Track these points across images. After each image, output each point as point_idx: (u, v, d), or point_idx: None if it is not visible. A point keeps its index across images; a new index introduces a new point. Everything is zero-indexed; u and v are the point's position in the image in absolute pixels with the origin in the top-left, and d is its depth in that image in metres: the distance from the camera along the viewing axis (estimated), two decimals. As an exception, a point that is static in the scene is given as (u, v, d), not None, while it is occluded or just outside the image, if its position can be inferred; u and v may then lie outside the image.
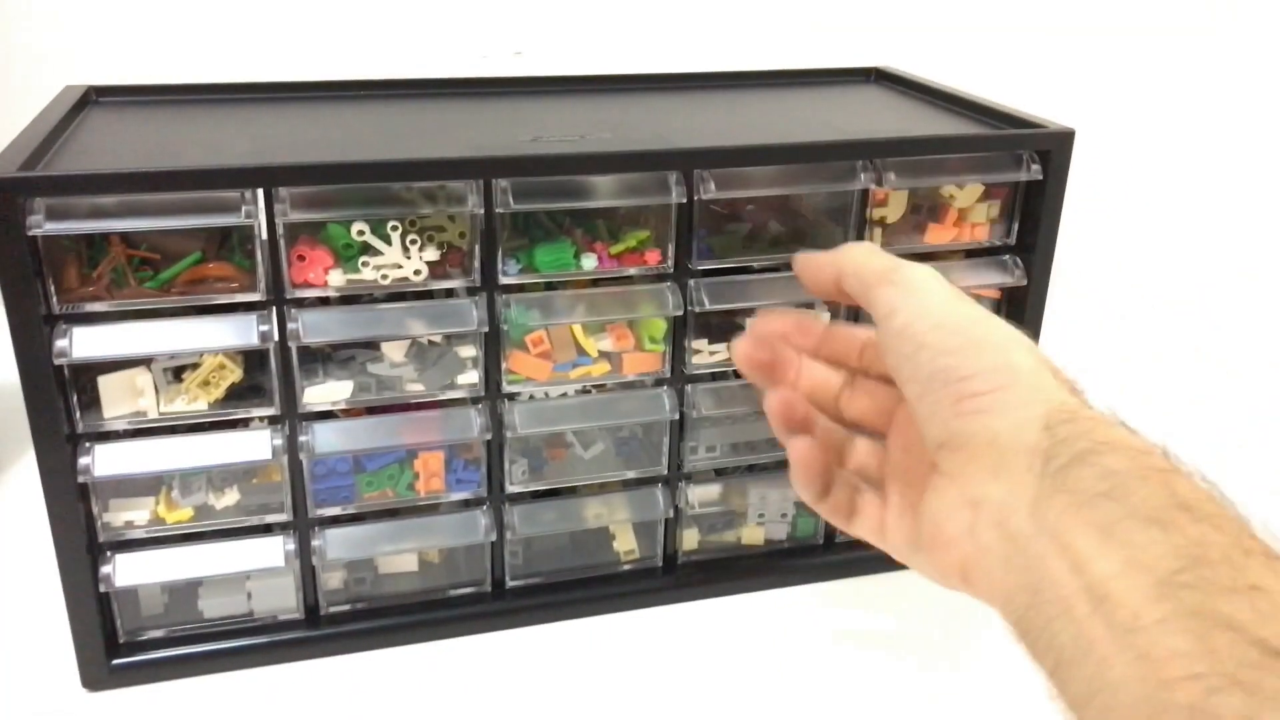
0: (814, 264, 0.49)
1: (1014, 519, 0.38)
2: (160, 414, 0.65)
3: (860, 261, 0.46)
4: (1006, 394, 0.40)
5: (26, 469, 0.89)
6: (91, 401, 0.64)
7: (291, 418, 0.68)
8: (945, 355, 0.41)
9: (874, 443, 0.49)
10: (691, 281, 0.71)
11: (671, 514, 0.77)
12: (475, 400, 0.71)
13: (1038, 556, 0.37)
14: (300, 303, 0.66)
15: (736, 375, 0.76)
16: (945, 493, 0.42)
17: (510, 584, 0.76)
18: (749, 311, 0.74)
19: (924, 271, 0.45)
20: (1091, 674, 0.33)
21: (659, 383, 0.74)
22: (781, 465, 0.80)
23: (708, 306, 0.71)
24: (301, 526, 0.70)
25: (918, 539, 0.44)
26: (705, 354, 0.74)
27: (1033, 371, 0.41)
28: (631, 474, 0.76)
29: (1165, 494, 0.35)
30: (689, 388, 0.74)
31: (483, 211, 0.66)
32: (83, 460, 0.64)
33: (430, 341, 0.69)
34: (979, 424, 0.40)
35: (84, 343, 0.61)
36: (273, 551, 0.69)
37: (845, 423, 0.50)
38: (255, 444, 0.67)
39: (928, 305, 0.43)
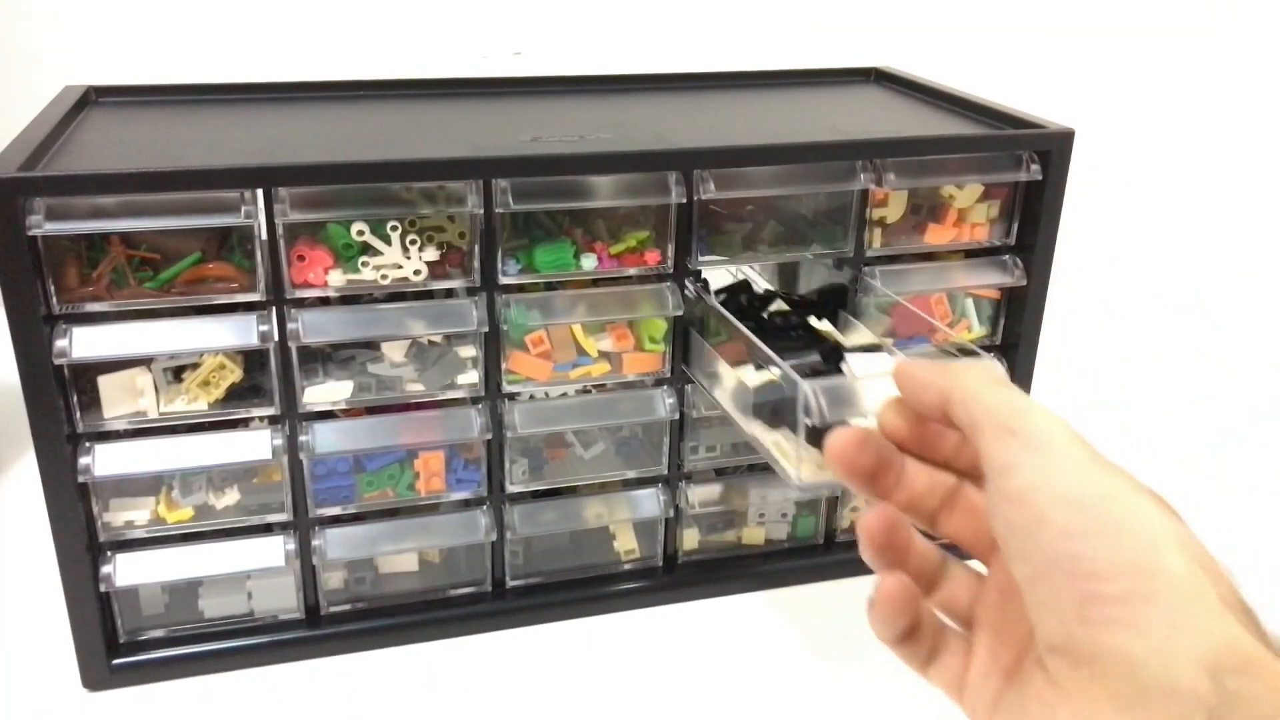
0: (917, 381, 0.40)
1: None
2: (160, 414, 0.65)
3: (975, 392, 0.38)
4: (1151, 608, 0.32)
5: (26, 469, 0.89)
6: (91, 401, 0.64)
7: (291, 418, 0.68)
8: (1072, 539, 0.33)
9: (968, 571, 0.42)
10: (691, 281, 0.71)
11: (671, 514, 0.77)
12: (475, 400, 0.71)
13: None
14: (300, 303, 0.66)
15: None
16: (1056, 711, 0.34)
17: (510, 584, 0.76)
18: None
19: (1056, 424, 0.36)
20: None
21: (659, 383, 0.74)
22: (781, 465, 0.80)
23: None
24: (302, 526, 0.70)
25: None
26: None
27: (1191, 581, 0.32)
28: (631, 474, 0.76)
29: None
30: (689, 388, 0.74)
31: (482, 212, 0.66)
32: (83, 460, 0.64)
33: (430, 341, 0.69)
34: (1113, 640, 0.32)
35: (84, 343, 0.61)
36: (273, 551, 0.69)
37: (939, 537, 0.42)
38: (255, 444, 0.67)
39: (1056, 469, 0.35)
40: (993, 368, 0.40)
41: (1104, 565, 0.33)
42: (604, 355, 0.72)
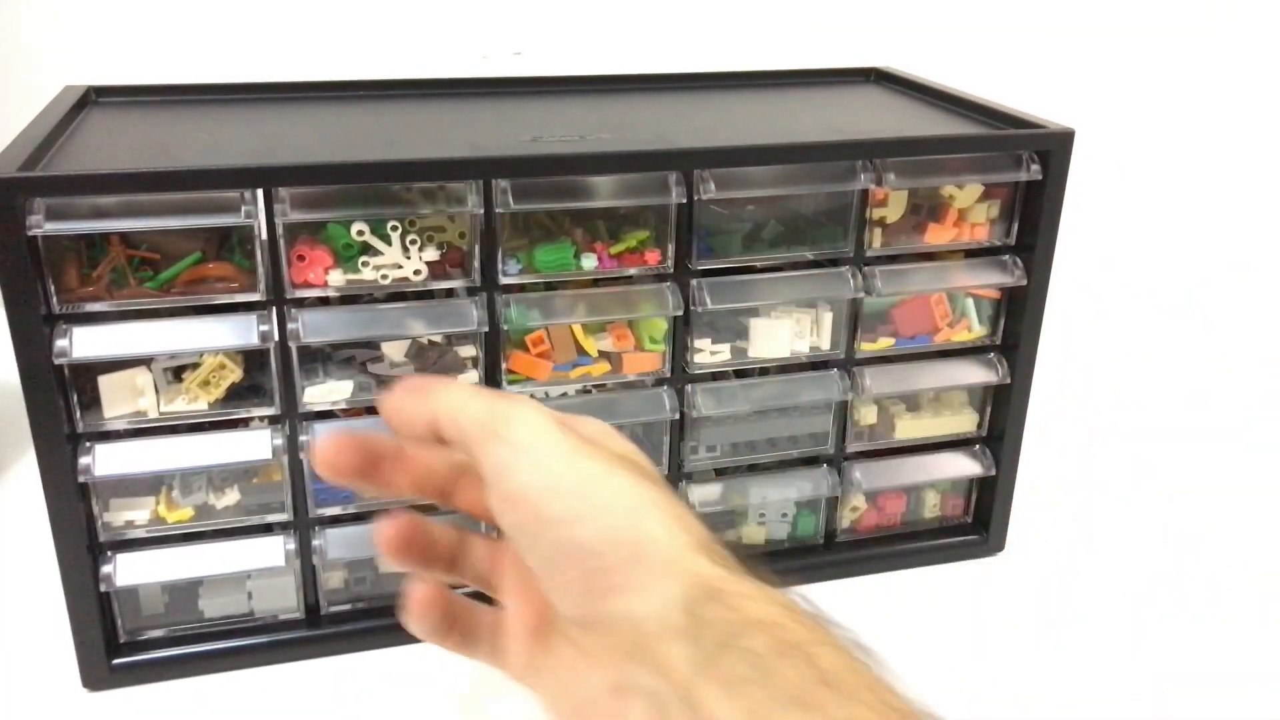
0: (402, 414, 0.42)
1: (672, 709, 0.35)
2: (160, 414, 0.65)
3: (458, 407, 0.40)
4: (640, 568, 0.36)
5: (27, 469, 0.89)
6: (92, 401, 0.64)
7: (292, 417, 0.68)
8: (566, 526, 0.37)
9: (487, 540, 0.45)
10: (692, 281, 0.71)
11: (671, 514, 0.77)
12: (475, 400, 0.71)
13: None
14: (300, 303, 0.66)
15: (737, 375, 0.76)
16: (586, 676, 0.38)
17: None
18: (752, 310, 0.74)
19: (535, 419, 0.39)
20: None
21: (659, 382, 0.74)
22: (782, 465, 0.80)
23: (708, 305, 0.71)
24: (302, 526, 0.70)
25: (555, 703, 0.41)
26: (706, 354, 0.74)
27: (665, 540, 0.37)
28: (631, 474, 0.76)
29: (808, 671, 0.34)
30: (689, 387, 0.74)
31: (482, 212, 0.66)
32: (83, 460, 0.64)
33: (430, 341, 0.69)
34: (614, 604, 0.37)
35: (84, 343, 0.61)
36: (273, 551, 0.69)
37: (452, 510, 0.45)
38: (255, 444, 0.67)
39: (542, 465, 0.38)
40: (464, 385, 0.42)
41: (598, 542, 0.37)
42: (604, 355, 0.72)
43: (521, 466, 0.38)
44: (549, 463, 0.38)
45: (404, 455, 0.44)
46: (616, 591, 0.37)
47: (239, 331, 0.64)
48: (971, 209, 0.76)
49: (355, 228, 0.64)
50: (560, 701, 0.41)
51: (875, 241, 0.75)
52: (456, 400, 0.41)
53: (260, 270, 0.64)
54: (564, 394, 0.73)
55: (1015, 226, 0.77)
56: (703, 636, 0.35)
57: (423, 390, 0.42)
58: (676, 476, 0.77)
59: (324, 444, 0.43)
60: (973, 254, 0.78)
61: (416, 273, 0.66)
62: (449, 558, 0.45)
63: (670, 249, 0.70)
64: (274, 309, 0.65)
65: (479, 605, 0.44)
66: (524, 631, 0.43)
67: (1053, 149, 0.74)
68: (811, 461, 0.80)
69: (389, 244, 0.65)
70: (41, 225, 0.58)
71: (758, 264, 0.74)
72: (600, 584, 0.37)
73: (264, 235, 0.63)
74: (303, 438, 0.67)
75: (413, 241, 0.65)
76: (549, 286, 0.70)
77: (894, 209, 0.74)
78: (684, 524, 0.38)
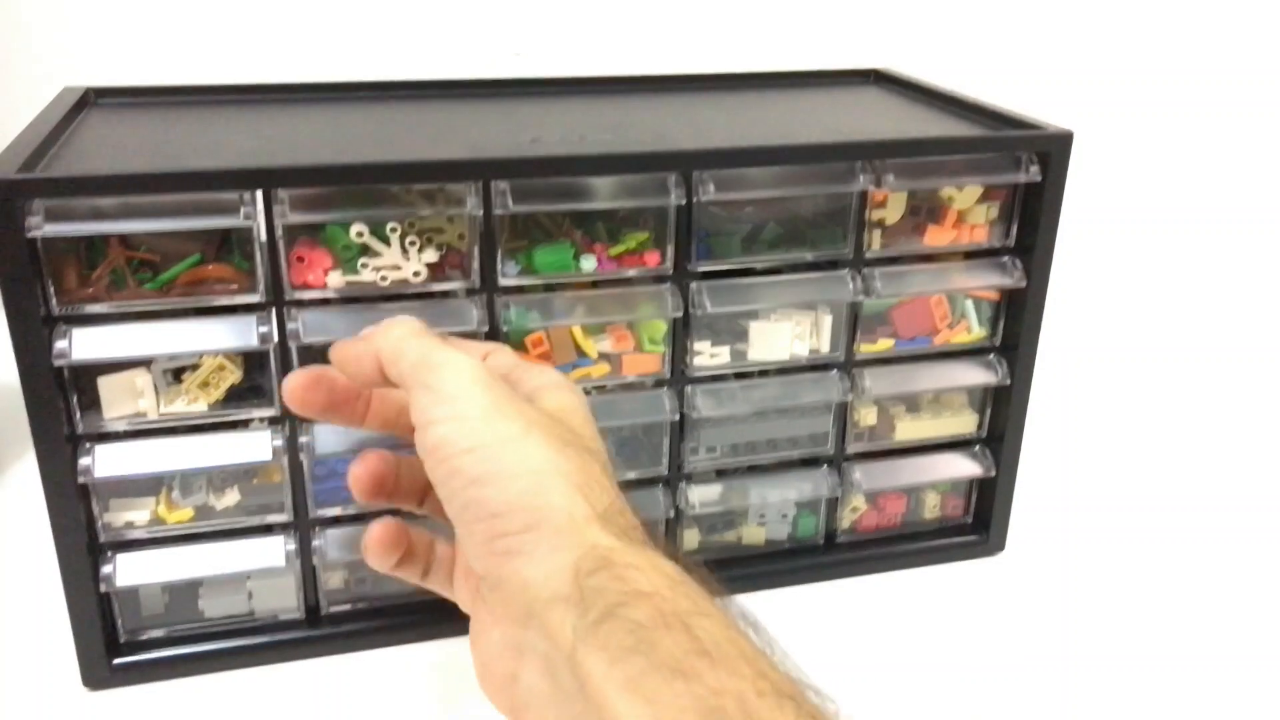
0: (347, 357, 0.44)
1: (558, 673, 0.37)
2: (160, 415, 0.66)
3: (397, 350, 0.41)
4: (536, 535, 0.38)
5: (26, 469, 0.89)
6: (91, 402, 0.65)
7: (292, 418, 0.68)
8: (476, 485, 0.38)
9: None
10: (692, 283, 0.71)
11: (672, 514, 0.77)
12: (475, 401, 0.71)
13: (581, 715, 0.36)
14: (300, 304, 0.66)
15: (737, 376, 0.76)
16: (490, 632, 0.40)
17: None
18: (752, 314, 0.74)
19: (463, 369, 0.40)
20: None
21: (659, 384, 0.74)
22: (783, 465, 0.80)
23: (708, 309, 0.71)
24: (302, 526, 0.70)
25: (472, 651, 0.43)
26: (706, 356, 0.74)
27: (565, 509, 0.38)
28: (631, 474, 0.76)
29: (687, 642, 0.35)
30: (689, 388, 0.74)
31: (482, 213, 0.66)
32: (83, 461, 0.64)
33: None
34: (511, 568, 0.38)
35: (84, 344, 0.61)
36: (273, 551, 0.70)
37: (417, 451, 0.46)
38: (255, 444, 0.67)
39: (462, 420, 0.39)
40: (411, 321, 0.43)
41: (501, 505, 0.38)
42: (604, 357, 0.72)
43: (444, 418, 0.39)
44: (468, 417, 0.39)
45: (375, 397, 0.46)
46: (514, 555, 0.38)
47: (238, 333, 0.64)
48: (971, 210, 0.76)
49: (355, 229, 0.64)
50: (475, 650, 0.43)
51: (875, 243, 0.75)
52: (396, 340, 0.42)
53: (260, 272, 0.64)
54: (563, 395, 0.73)
55: (1015, 228, 0.77)
56: (588, 605, 0.36)
57: (367, 333, 0.43)
58: (676, 477, 0.77)
59: (293, 379, 0.45)
60: (972, 255, 0.78)
61: (416, 274, 0.66)
62: (418, 489, 0.47)
63: (670, 250, 0.70)
64: (273, 310, 0.65)
65: (439, 540, 0.46)
66: (463, 575, 0.45)
67: (1052, 150, 0.74)
68: (811, 462, 0.80)
69: (388, 245, 0.65)
70: (41, 227, 0.58)
71: (757, 265, 0.74)
72: (500, 546, 0.38)
73: (263, 237, 0.63)
74: (303, 438, 0.67)
75: (412, 243, 0.65)
76: (548, 288, 0.70)
77: (893, 210, 0.74)
78: (587, 493, 0.39)
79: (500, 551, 0.38)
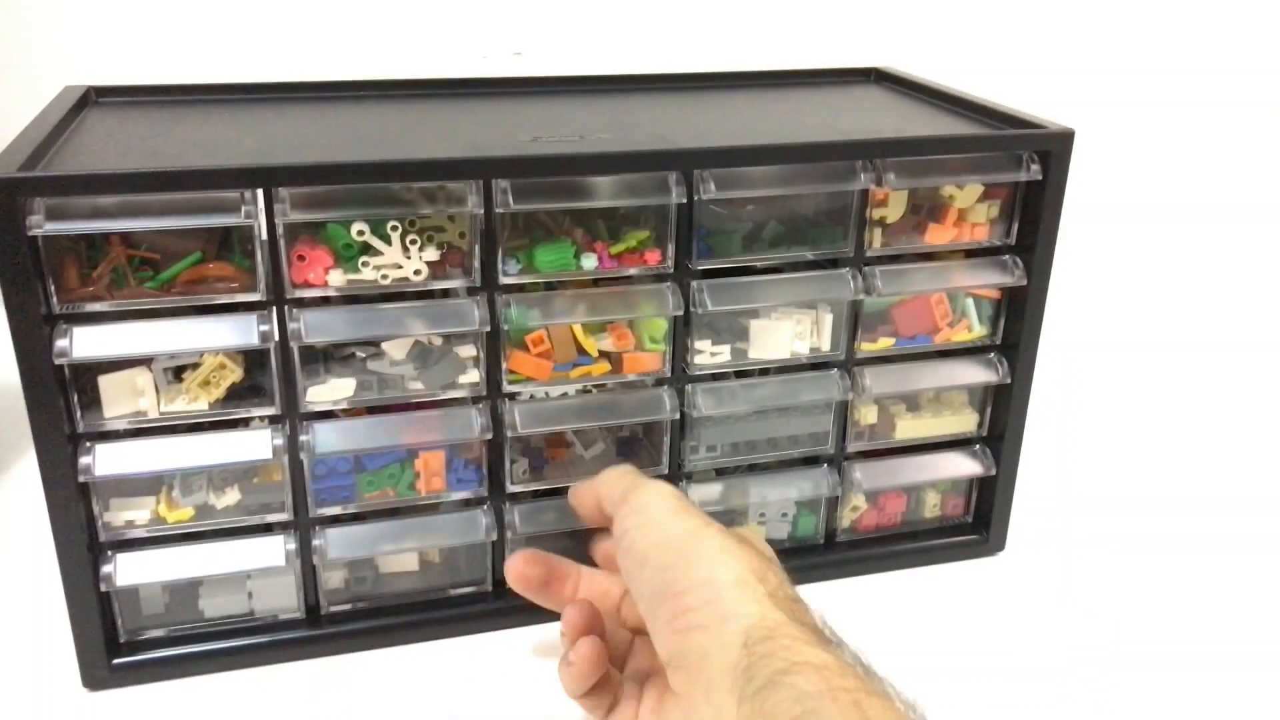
0: (579, 497, 0.53)
1: None
2: (161, 414, 0.66)
3: (611, 483, 0.49)
4: (712, 609, 0.41)
5: (27, 469, 0.89)
6: (92, 401, 0.64)
7: (292, 417, 0.68)
8: (662, 571, 0.43)
9: (648, 643, 0.50)
10: (693, 282, 0.71)
11: (672, 514, 0.77)
12: (476, 400, 0.71)
13: None
14: (300, 303, 0.66)
15: (738, 375, 0.76)
16: (671, 713, 0.43)
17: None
18: (752, 312, 0.74)
19: (655, 489, 0.47)
20: None
21: (659, 382, 0.74)
22: (783, 465, 0.80)
23: (709, 307, 0.71)
24: (302, 526, 0.70)
25: None
26: (706, 355, 0.74)
27: (737, 583, 0.42)
28: (631, 474, 0.76)
29: (855, 715, 0.37)
30: (689, 387, 0.74)
31: (482, 212, 0.66)
32: (83, 460, 0.64)
33: (431, 341, 0.69)
34: (691, 641, 0.41)
35: (84, 343, 0.61)
36: (273, 551, 0.69)
37: (629, 627, 0.53)
38: (256, 444, 0.67)
39: (651, 521, 0.45)
40: (627, 466, 0.52)
41: (682, 586, 0.42)
42: (604, 355, 0.72)
43: (638, 525, 0.46)
44: (656, 520, 0.46)
45: (583, 578, 0.53)
46: (693, 630, 0.42)
47: (239, 331, 0.64)
48: (971, 209, 0.76)
49: (355, 228, 0.64)
50: None
51: (875, 241, 0.75)
52: (609, 480, 0.51)
53: (260, 270, 0.64)
54: (564, 394, 0.73)
55: (1015, 226, 0.77)
56: (756, 672, 0.39)
57: (592, 480, 0.52)
58: (676, 476, 0.77)
59: (515, 557, 0.53)
60: (973, 254, 0.78)
61: (417, 273, 0.66)
62: (621, 653, 0.53)
63: (670, 249, 0.70)
64: (274, 309, 0.65)
65: (630, 683, 0.50)
66: (657, 707, 0.47)
67: (1053, 149, 0.74)
68: (812, 461, 0.80)
69: (389, 244, 0.65)
70: (41, 225, 0.58)
71: (758, 264, 0.74)
72: (681, 624, 0.42)
73: (264, 235, 0.63)
74: (303, 437, 0.67)
75: (413, 241, 0.65)
76: (549, 286, 0.70)
77: (894, 209, 0.74)
78: (760, 577, 0.43)
79: (681, 629, 0.42)
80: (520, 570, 0.52)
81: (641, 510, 0.46)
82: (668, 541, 0.44)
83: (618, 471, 0.51)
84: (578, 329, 0.71)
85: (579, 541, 0.78)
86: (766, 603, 0.42)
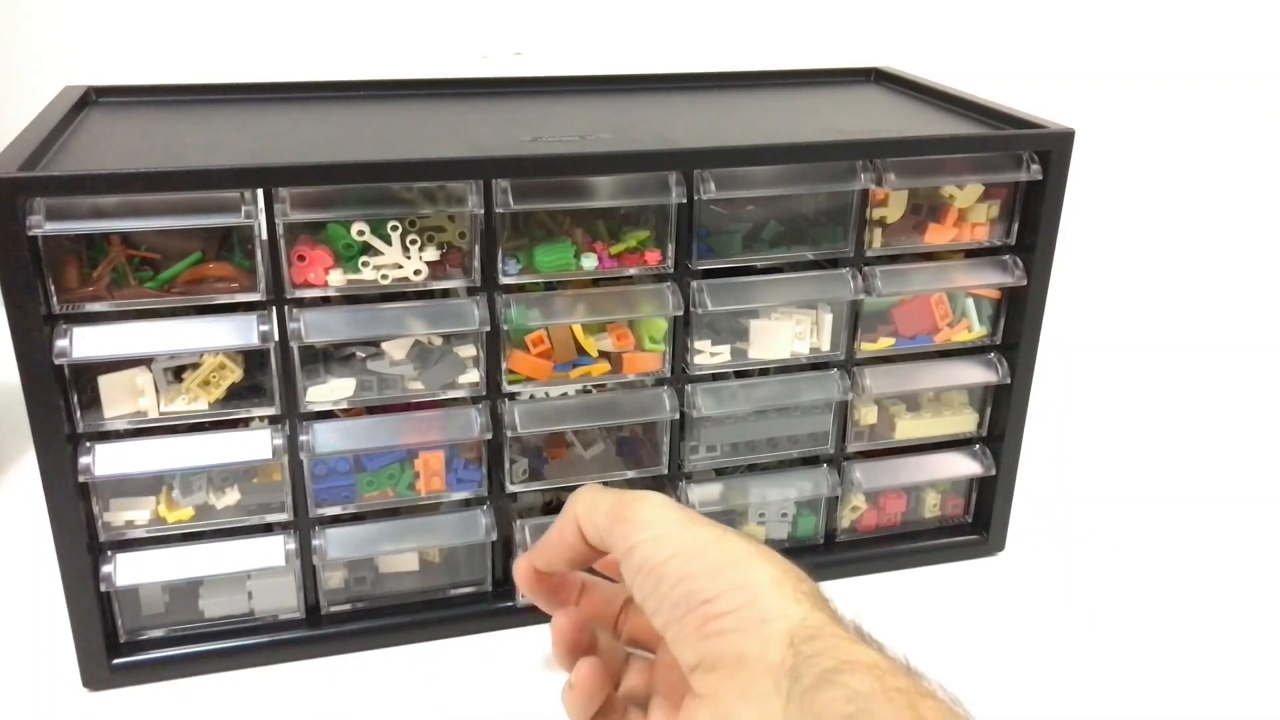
0: (554, 539, 0.48)
1: None
2: (160, 414, 0.65)
3: (589, 507, 0.46)
4: (750, 611, 0.40)
5: (27, 469, 0.89)
6: (92, 401, 0.64)
7: (292, 417, 0.68)
8: (686, 581, 0.41)
9: (645, 662, 0.50)
10: (692, 282, 0.71)
11: (671, 514, 0.77)
12: (475, 400, 0.71)
13: None
14: (300, 303, 0.66)
15: (738, 375, 0.76)
16: (698, 715, 0.41)
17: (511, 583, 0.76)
18: (752, 312, 0.74)
19: (654, 501, 0.45)
20: None
21: (659, 382, 0.74)
22: (783, 465, 0.80)
23: (709, 307, 0.71)
24: (302, 526, 0.70)
25: None
26: (706, 355, 0.74)
27: (774, 585, 0.41)
28: (632, 474, 0.76)
29: (910, 716, 0.36)
30: (689, 387, 0.74)
31: (482, 211, 0.66)
32: (83, 460, 0.64)
33: (431, 341, 0.69)
34: (726, 644, 0.40)
35: (84, 342, 0.61)
36: (273, 551, 0.69)
37: (625, 641, 0.51)
38: (256, 444, 0.67)
39: (661, 534, 0.43)
40: (592, 488, 0.48)
41: (712, 591, 0.41)
42: (604, 355, 0.72)
43: (648, 539, 0.43)
44: (666, 532, 0.43)
45: (587, 588, 0.51)
46: (729, 632, 0.40)
47: (239, 331, 0.64)
48: (972, 209, 0.76)
49: (355, 228, 0.64)
50: None
51: (875, 241, 0.75)
52: (589, 500, 0.46)
53: (260, 270, 0.64)
54: (564, 394, 0.73)
55: (1015, 226, 0.77)
56: (804, 671, 0.37)
57: (566, 508, 0.48)
58: (676, 476, 0.77)
59: (522, 565, 0.50)
60: (973, 254, 0.78)
61: (417, 272, 0.66)
62: (614, 671, 0.50)
63: (670, 249, 0.70)
64: (274, 309, 0.65)
65: (630, 706, 0.48)
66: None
67: (1053, 149, 0.74)
68: (812, 461, 0.80)
69: (389, 244, 0.65)
70: (41, 225, 0.58)
71: (758, 264, 0.74)
72: (714, 629, 0.40)
73: (264, 235, 0.63)
74: (303, 437, 0.67)
75: (413, 241, 0.65)
76: (549, 286, 0.70)
77: (894, 209, 0.74)
78: (792, 575, 0.42)
79: (714, 633, 0.40)
80: (530, 580, 0.51)
81: (649, 525, 0.44)
82: (688, 552, 0.42)
83: (588, 494, 0.47)
84: (577, 329, 0.71)
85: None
86: (805, 603, 0.40)
